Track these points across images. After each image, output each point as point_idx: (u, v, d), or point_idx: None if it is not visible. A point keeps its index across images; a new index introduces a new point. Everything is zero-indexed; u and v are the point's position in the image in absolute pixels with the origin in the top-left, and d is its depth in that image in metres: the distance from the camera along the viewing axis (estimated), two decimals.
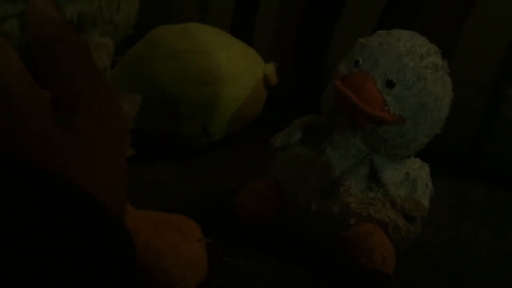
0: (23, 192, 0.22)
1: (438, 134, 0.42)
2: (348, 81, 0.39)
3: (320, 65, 0.65)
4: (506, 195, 0.54)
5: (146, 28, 0.56)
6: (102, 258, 0.22)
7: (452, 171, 0.56)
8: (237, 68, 0.56)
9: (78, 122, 0.24)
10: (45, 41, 0.25)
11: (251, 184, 0.45)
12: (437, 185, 0.44)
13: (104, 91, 0.26)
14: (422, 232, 0.43)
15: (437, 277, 0.42)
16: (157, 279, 0.31)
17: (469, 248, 0.46)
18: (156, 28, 0.58)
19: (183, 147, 0.56)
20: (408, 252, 0.42)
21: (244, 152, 0.57)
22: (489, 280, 0.41)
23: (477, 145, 0.56)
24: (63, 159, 0.23)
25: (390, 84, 0.38)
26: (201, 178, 0.52)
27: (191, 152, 0.56)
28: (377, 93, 0.38)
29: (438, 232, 0.46)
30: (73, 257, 0.22)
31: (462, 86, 0.54)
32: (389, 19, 0.59)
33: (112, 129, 0.26)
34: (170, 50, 0.53)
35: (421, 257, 0.43)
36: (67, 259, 0.22)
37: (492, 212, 0.50)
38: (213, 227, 0.38)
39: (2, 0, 0.28)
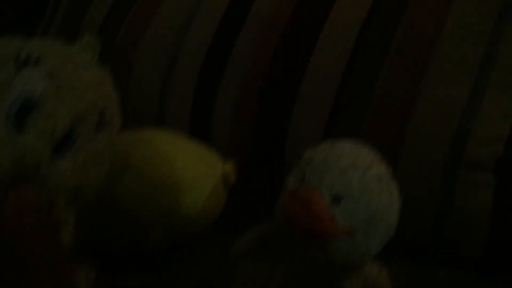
0: None
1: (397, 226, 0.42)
2: (296, 197, 0.39)
3: (279, 156, 0.65)
4: (472, 278, 0.54)
5: None
6: None
7: (417, 260, 0.56)
8: (194, 174, 0.56)
9: None
10: (13, 220, 0.28)
11: None
12: (399, 277, 0.43)
13: (56, 269, 0.29)
14: None
15: None
16: None
17: None
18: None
19: (143, 254, 0.56)
20: None
21: (205, 259, 0.56)
22: None
23: (438, 232, 0.57)
24: None
25: (336, 199, 0.39)
26: None
27: (151, 260, 0.55)
28: (325, 209, 0.39)
29: None
30: None
31: (415, 175, 0.56)
32: (339, 113, 0.61)
33: None
34: (125, 162, 0.53)
35: None
36: None
37: None
38: None
39: None
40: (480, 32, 0.58)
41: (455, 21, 0.59)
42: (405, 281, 0.45)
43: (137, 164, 0.54)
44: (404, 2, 0.61)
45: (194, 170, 0.56)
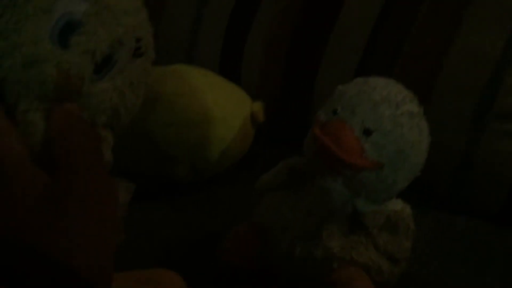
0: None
1: (421, 171, 0.43)
2: (327, 129, 0.40)
3: (307, 102, 0.66)
4: (490, 231, 0.54)
5: None
6: None
7: (436, 206, 0.57)
8: (224, 109, 0.57)
9: (69, 206, 0.27)
10: (62, 133, 0.29)
11: (235, 228, 0.45)
12: (420, 220, 0.45)
13: (103, 182, 0.30)
14: (405, 271, 0.44)
15: None
16: None
17: (451, 283, 0.46)
18: None
19: (172, 185, 0.57)
20: None
21: (231, 191, 0.57)
22: None
23: (460, 180, 0.57)
24: (49, 236, 0.26)
25: (367, 132, 0.39)
26: (188, 219, 0.53)
27: (180, 191, 0.57)
28: (355, 141, 0.39)
29: (420, 268, 0.47)
30: None
31: (443, 122, 0.57)
32: (371, 57, 0.61)
33: (104, 215, 0.29)
34: (157, 93, 0.55)
35: None
36: None
37: (475, 249, 0.51)
38: (197, 273, 0.39)
39: (30, 97, 0.31)
40: None
41: None
42: (421, 226, 0.45)
43: (169, 96, 0.55)
44: None
45: (224, 106, 0.57)
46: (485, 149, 0.55)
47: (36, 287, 0.25)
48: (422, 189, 0.52)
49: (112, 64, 0.37)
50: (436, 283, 0.46)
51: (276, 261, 0.43)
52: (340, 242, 0.42)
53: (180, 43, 0.74)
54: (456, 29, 0.58)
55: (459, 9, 0.58)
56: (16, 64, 0.33)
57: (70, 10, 0.35)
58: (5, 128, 0.30)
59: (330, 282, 0.41)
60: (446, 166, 0.57)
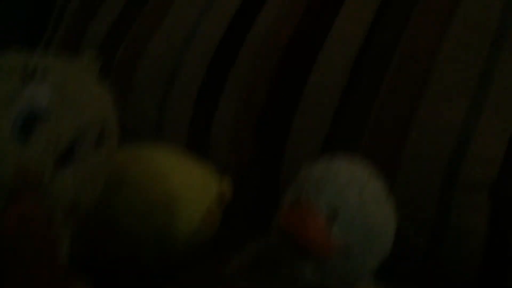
0: None
1: (392, 248, 0.42)
2: (293, 213, 0.40)
3: (275, 176, 0.66)
4: None
5: None
6: None
7: (407, 283, 0.56)
8: (191, 191, 0.56)
9: None
10: (14, 232, 0.29)
11: None
12: None
13: (58, 280, 0.31)
14: None
15: None
16: None
17: None
18: None
19: (139, 272, 0.55)
20: None
21: (199, 278, 0.56)
22: None
23: (432, 255, 0.57)
24: None
25: (334, 215, 0.39)
26: None
27: (148, 278, 0.55)
28: (321, 227, 0.39)
29: None
30: None
31: (410, 196, 0.57)
32: (337, 133, 0.61)
33: None
34: (122, 178, 0.54)
35: None
36: None
37: None
38: None
39: None
40: (477, 53, 0.59)
41: (453, 41, 0.60)
42: None
43: (134, 181, 0.54)
44: (403, 22, 0.62)
45: (191, 187, 0.56)
46: (455, 223, 0.55)
47: None
48: (394, 265, 0.51)
49: (74, 155, 0.36)
50: None
51: None
52: None
53: (148, 116, 0.74)
54: (420, 99, 0.59)
55: (423, 80, 0.59)
56: None
57: (33, 101, 0.34)
58: None
59: None
60: (416, 240, 0.57)
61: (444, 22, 0.61)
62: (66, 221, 0.37)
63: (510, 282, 0.55)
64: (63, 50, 0.82)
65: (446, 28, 0.60)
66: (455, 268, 0.57)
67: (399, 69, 0.60)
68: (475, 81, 0.58)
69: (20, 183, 0.32)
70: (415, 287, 0.55)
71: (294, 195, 0.41)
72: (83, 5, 0.85)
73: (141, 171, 0.55)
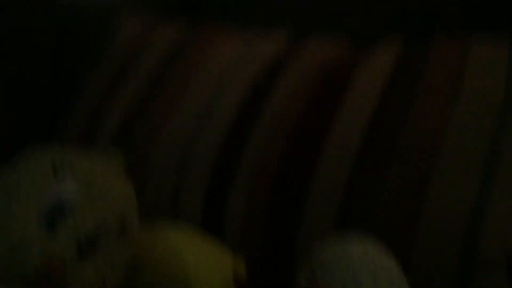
0: None
1: None
2: None
3: (290, 256, 0.66)
4: None
5: None
6: None
7: None
8: (206, 271, 0.56)
9: None
10: None
11: None
12: None
13: None
14: None
15: None
16: None
17: None
18: None
19: None
20: None
21: None
22: None
23: None
24: None
25: None
26: None
27: None
28: None
29: None
30: None
31: (428, 276, 0.56)
32: (350, 207, 0.62)
33: None
34: (141, 261, 0.54)
35: None
36: None
37: None
38: None
39: (11, 278, 0.32)
40: (483, 128, 0.60)
41: (460, 117, 0.61)
42: None
43: (153, 263, 0.55)
44: (410, 101, 0.64)
45: (206, 269, 0.57)
46: None
47: None
48: None
49: (97, 246, 0.37)
50: None
51: None
52: None
53: (163, 200, 0.76)
54: (431, 177, 0.60)
55: (432, 156, 0.60)
56: (3, 247, 0.33)
57: (60, 194, 0.36)
58: None
59: None
60: None
61: (450, 98, 0.62)
62: None
63: None
64: (78, 142, 0.85)
65: (452, 106, 0.61)
66: None
67: (408, 148, 0.61)
68: (483, 158, 0.59)
69: (44, 269, 0.33)
70: None
71: (308, 279, 0.41)
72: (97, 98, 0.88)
73: (159, 254, 0.56)
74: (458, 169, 0.59)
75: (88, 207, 0.36)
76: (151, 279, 0.55)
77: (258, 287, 0.67)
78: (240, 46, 0.81)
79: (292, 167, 0.67)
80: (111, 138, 0.80)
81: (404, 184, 0.61)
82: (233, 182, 0.71)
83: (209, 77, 0.79)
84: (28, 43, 1.03)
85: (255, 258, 0.66)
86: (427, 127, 0.62)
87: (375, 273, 0.40)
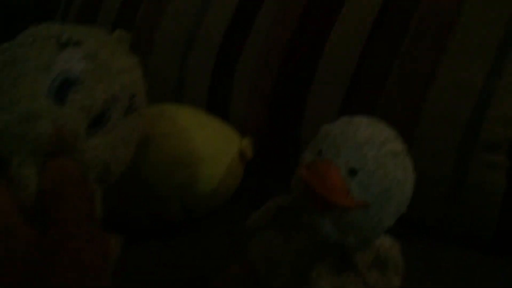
0: None
1: (410, 203, 0.43)
2: (313, 170, 0.41)
3: (295, 135, 0.66)
4: (480, 261, 0.54)
5: None
6: None
7: (426, 237, 0.57)
8: (213, 147, 0.57)
9: (61, 261, 0.28)
10: (54, 188, 0.30)
11: (226, 269, 0.46)
12: (410, 252, 0.45)
13: (94, 236, 0.32)
14: None
15: None
16: None
17: None
18: None
19: (163, 225, 0.58)
20: None
21: (222, 230, 0.58)
22: None
23: (449, 211, 0.58)
24: (45, 281, 0.27)
25: (352, 173, 0.40)
26: (180, 259, 0.53)
27: (171, 230, 0.57)
28: (340, 182, 0.40)
29: None
30: None
31: (429, 154, 0.57)
32: (354, 95, 0.62)
33: (95, 269, 0.30)
34: (147, 135, 0.55)
35: None
36: None
37: (466, 281, 0.51)
38: None
39: (24, 151, 0.33)
40: (498, 15, 0.58)
41: (474, 3, 0.59)
42: (410, 260, 0.46)
43: (159, 138, 0.56)
44: None
45: (213, 144, 0.58)
46: (472, 181, 0.56)
47: None
48: (411, 222, 0.53)
49: (106, 120, 0.37)
50: None
51: None
52: (330, 281, 0.42)
53: (168, 81, 0.75)
54: (438, 61, 0.59)
55: (443, 41, 0.59)
56: (13, 119, 0.34)
57: (68, 67, 0.35)
58: None
59: None
60: (434, 198, 0.58)
61: None
62: (97, 183, 0.38)
63: None
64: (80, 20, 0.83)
65: None
66: (471, 226, 0.58)
67: (419, 30, 0.60)
68: (495, 43, 0.58)
69: (56, 142, 0.34)
70: (427, 246, 0.56)
71: (313, 153, 0.42)
72: None
73: (165, 129, 0.56)
74: (470, 49, 0.58)
75: (96, 82, 0.35)
76: (155, 157, 0.56)
77: (262, 168, 0.69)
78: None
79: (300, 49, 0.66)
80: (116, 15, 0.78)
81: (413, 65, 0.60)
82: (239, 64, 0.70)
83: None
84: None
85: (260, 140, 0.67)
86: (440, 6, 0.60)
87: (380, 148, 0.40)
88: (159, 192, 0.56)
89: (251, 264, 0.45)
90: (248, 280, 0.45)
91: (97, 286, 0.30)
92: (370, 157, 0.40)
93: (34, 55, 0.35)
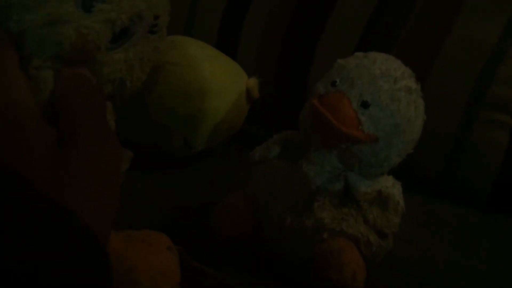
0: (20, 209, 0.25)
1: (411, 154, 0.44)
2: (325, 101, 0.41)
3: (302, 82, 0.66)
4: (477, 217, 0.55)
5: None
6: (84, 276, 0.25)
7: (425, 191, 0.58)
8: (220, 82, 0.57)
9: (77, 157, 0.29)
10: (69, 91, 0.31)
11: (228, 198, 0.46)
12: (409, 203, 0.45)
13: (108, 139, 0.31)
14: (393, 249, 0.45)
15: None
16: None
17: (439, 265, 0.47)
18: None
19: (163, 158, 0.57)
20: (379, 267, 0.43)
21: (223, 164, 0.58)
22: None
23: (450, 166, 0.58)
24: (61, 185, 0.28)
25: (365, 105, 0.40)
26: (180, 190, 0.53)
27: (171, 163, 0.57)
28: (352, 113, 0.40)
29: (409, 249, 0.48)
30: (57, 271, 0.24)
31: (436, 108, 0.57)
32: (368, 41, 0.61)
33: (110, 171, 0.30)
34: (156, 62, 0.54)
35: (392, 273, 0.44)
36: (51, 272, 0.24)
37: (463, 233, 0.52)
38: (188, 240, 0.40)
39: (45, 55, 0.33)
40: None
41: None
42: (410, 209, 0.46)
43: (166, 66, 0.55)
44: None
45: (221, 78, 0.57)
46: (476, 137, 0.56)
47: (39, 235, 0.25)
48: (413, 172, 0.53)
49: (128, 36, 0.38)
50: (423, 264, 0.47)
51: (267, 231, 0.44)
52: (331, 213, 0.42)
53: (178, 20, 0.74)
54: (454, 18, 0.59)
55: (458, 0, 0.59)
56: (37, 20, 0.34)
57: None
58: (20, 79, 0.30)
59: (319, 252, 0.41)
60: (438, 150, 0.58)
61: None
62: (113, 100, 0.38)
63: None
64: None
65: None
66: (470, 183, 0.58)
67: None
68: None
69: (78, 49, 0.34)
70: (425, 198, 0.57)
71: (328, 84, 0.41)
72: None
73: (173, 59, 0.56)
74: (486, 8, 0.58)
75: None
76: (164, 86, 0.55)
77: (269, 112, 0.68)
78: None
79: None
80: None
81: (429, 17, 0.60)
82: (251, 7, 0.69)
83: None
84: None
85: (269, 83, 0.66)
86: None
87: (396, 82, 0.40)
88: (163, 122, 0.55)
89: (252, 195, 0.45)
90: (248, 211, 0.45)
91: (109, 187, 0.30)
92: (384, 90, 0.40)
93: None
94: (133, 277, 0.32)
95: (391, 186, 0.43)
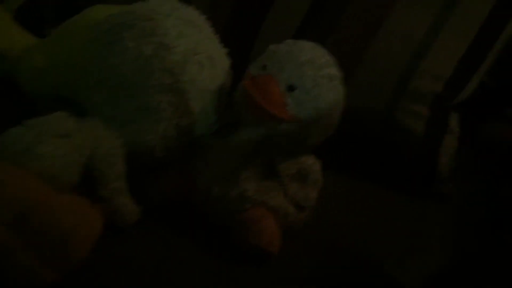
0: None
1: (334, 136, 0.48)
2: (256, 82, 0.44)
3: (244, 64, 0.69)
4: (394, 197, 0.60)
5: None
6: None
7: (345, 169, 0.62)
8: None
9: None
10: None
11: (165, 174, 0.48)
12: (328, 179, 0.49)
13: None
14: (310, 220, 0.49)
15: (319, 260, 0.48)
16: None
17: (352, 236, 0.52)
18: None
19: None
20: (295, 236, 0.48)
21: None
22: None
23: (375, 150, 0.63)
24: None
25: (291, 88, 0.44)
26: None
27: None
28: (279, 95, 0.44)
29: (324, 221, 0.52)
30: None
31: (364, 95, 0.62)
32: (306, 29, 0.65)
33: None
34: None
35: (306, 242, 0.49)
36: None
37: (378, 210, 0.57)
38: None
39: None
40: None
41: None
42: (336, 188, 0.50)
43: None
44: None
45: None
46: (397, 126, 0.61)
47: None
48: (341, 157, 0.57)
49: None
50: (337, 233, 0.51)
51: (198, 196, 0.47)
52: (255, 185, 0.46)
53: None
54: (388, 12, 0.62)
55: None
56: None
57: None
58: None
59: (241, 219, 0.45)
60: (365, 137, 0.62)
61: None
62: None
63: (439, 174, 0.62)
64: None
65: None
66: (392, 167, 0.63)
67: None
68: (440, 4, 0.62)
69: None
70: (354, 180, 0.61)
71: (258, 68, 0.45)
72: None
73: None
74: (415, 6, 0.62)
75: None
76: None
77: None
78: None
79: None
80: None
81: (363, 10, 0.63)
82: None
83: None
84: None
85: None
86: None
87: (319, 71, 0.44)
88: None
89: (189, 170, 0.48)
90: (185, 184, 0.48)
91: None
92: (309, 76, 0.44)
93: None
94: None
95: (311, 164, 0.48)
